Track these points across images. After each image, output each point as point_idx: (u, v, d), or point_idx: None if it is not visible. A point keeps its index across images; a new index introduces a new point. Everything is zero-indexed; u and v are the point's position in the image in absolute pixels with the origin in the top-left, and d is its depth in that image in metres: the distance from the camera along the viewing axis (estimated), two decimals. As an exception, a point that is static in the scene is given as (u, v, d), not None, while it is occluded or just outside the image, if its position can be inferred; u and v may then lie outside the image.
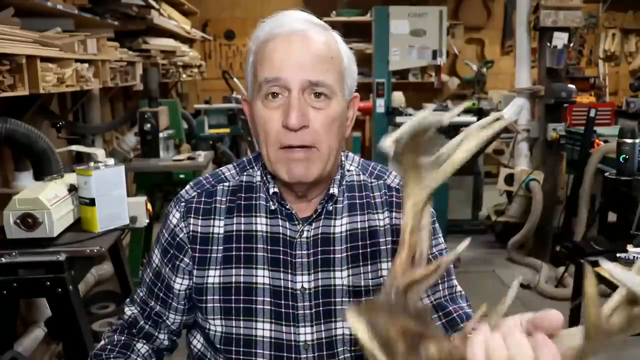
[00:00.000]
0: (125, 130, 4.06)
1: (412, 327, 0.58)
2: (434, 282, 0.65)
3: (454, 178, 4.70)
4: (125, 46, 3.65)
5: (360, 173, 1.10)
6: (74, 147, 2.55)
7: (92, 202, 1.87)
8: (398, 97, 5.41)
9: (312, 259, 1.02)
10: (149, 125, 3.21)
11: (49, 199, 1.79)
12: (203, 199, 1.05)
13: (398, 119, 4.33)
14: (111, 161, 1.96)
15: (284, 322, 1.00)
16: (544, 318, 0.58)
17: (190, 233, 1.03)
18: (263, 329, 1.00)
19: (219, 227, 1.03)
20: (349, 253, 1.03)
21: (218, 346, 1.02)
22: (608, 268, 0.53)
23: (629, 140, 2.81)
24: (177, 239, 1.04)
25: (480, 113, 4.58)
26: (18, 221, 1.74)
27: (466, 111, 4.80)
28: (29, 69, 1.98)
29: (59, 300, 1.74)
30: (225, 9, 7.15)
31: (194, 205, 1.04)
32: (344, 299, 1.02)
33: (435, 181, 0.65)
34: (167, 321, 1.08)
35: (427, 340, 0.58)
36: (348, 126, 1.03)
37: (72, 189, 1.94)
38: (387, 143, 0.65)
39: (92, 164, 1.94)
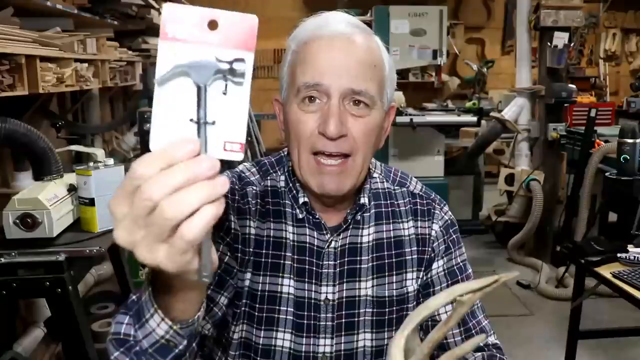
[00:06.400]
0: (124, 130, 4.06)
1: None
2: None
3: (455, 178, 4.71)
4: (125, 46, 3.64)
5: (384, 180, 1.08)
6: (74, 147, 2.54)
7: (91, 202, 1.87)
8: (398, 97, 5.40)
9: (338, 269, 1.00)
10: (148, 125, 3.19)
11: (49, 199, 1.78)
12: (237, 197, 0.99)
13: (398, 119, 4.32)
14: (111, 161, 1.95)
15: (304, 334, 0.98)
16: None
17: (232, 230, 0.97)
18: (283, 339, 0.98)
19: (252, 227, 0.99)
20: (375, 263, 1.02)
21: (233, 352, 0.99)
22: None
23: (630, 140, 2.81)
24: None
25: (481, 113, 4.57)
26: (17, 221, 1.73)
27: (467, 111, 4.79)
28: (29, 68, 1.97)
29: (59, 300, 1.73)
30: (225, 9, 7.13)
31: (228, 199, 0.97)
32: (367, 310, 1.00)
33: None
34: (215, 308, 0.94)
35: None
36: (382, 137, 1.00)
37: (72, 189, 1.93)
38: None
39: (91, 164, 1.94)
